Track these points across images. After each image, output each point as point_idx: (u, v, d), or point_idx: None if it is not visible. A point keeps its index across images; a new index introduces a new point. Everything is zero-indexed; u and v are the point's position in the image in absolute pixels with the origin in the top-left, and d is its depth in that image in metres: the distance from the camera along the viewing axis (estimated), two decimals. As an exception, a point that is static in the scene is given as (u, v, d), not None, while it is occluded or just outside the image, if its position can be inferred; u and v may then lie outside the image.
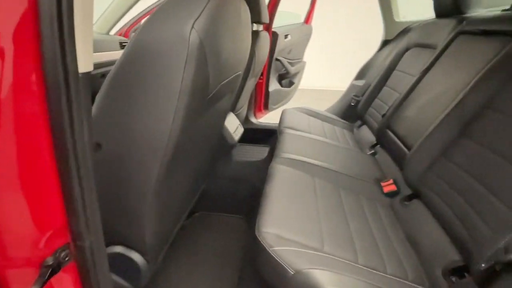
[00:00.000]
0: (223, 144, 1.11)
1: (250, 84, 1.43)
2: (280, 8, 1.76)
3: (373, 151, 1.28)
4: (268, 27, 1.72)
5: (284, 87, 2.19)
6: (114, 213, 0.59)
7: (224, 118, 1.03)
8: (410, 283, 0.63)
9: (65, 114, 0.31)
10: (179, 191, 0.75)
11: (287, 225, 0.68)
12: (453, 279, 0.61)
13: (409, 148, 0.96)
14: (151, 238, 0.64)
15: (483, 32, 0.85)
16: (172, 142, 0.54)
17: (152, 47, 0.49)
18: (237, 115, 1.38)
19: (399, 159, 1.01)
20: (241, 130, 1.25)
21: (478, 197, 0.64)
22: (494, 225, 0.57)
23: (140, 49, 0.50)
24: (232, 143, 1.12)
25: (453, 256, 0.64)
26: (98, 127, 0.54)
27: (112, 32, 1.92)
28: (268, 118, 2.14)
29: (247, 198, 1.36)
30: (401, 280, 0.63)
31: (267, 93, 1.97)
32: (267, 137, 1.95)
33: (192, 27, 0.48)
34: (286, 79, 2.21)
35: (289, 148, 1.08)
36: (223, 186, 1.41)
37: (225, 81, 0.69)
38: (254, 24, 1.29)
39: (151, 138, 0.53)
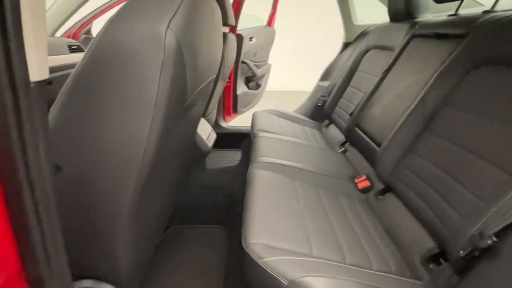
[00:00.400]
0: (196, 152, 1.05)
1: (219, 87, 1.39)
2: (243, 10, 1.76)
3: (343, 148, 1.33)
4: (233, 30, 1.70)
5: (252, 89, 2.19)
6: (82, 243, 0.51)
7: (197, 124, 0.98)
8: (394, 276, 0.65)
9: (14, 134, 0.25)
10: (155, 209, 0.69)
11: (274, 233, 0.67)
12: (431, 266, 0.65)
13: (378, 145, 1.01)
14: (126, 265, 0.57)
15: (435, 35, 0.93)
16: (148, 157, 0.48)
17: (121, 50, 0.42)
18: (207, 120, 1.33)
19: (369, 156, 1.06)
20: (213, 136, 1.20)
21: (446, 186, 0.69)
22: (464, 212, 0.61)
23: (106, 52, 0.43)
24: (206, 151, 1.07)
25: (429, 245, 0.68)
26: (55, 146, 0.46)
27: (58, 34, 1.73)
28: (237, 122, 2.11)
29: (224, 206, 1.32)
30: (387, 274, 0.65)
31: (235, 96, 1.94)
32: (239, 141, 1.92)
33: (168, 26, 0.43)
34: (253, 81, 2.21)
35: (265, 152, 1.07)
36: (197, 196, 1.35)
37: (201, 87, 0.65)
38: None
39: (123, 154, 0.47)
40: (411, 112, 0.88)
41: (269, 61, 2.44)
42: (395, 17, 1.29)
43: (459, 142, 0.71)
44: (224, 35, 1.17)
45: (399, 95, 1.00)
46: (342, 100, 1.55)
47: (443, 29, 0.91)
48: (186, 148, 0.92)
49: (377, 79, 1.23)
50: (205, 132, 1.10)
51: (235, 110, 2.00)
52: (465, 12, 0.98)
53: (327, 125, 1.66)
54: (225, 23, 1.20)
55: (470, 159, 0.66)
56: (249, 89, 2.15)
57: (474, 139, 0.67)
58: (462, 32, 0.82)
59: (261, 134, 1.26)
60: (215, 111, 1.66)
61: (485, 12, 0.85)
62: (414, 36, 1.07)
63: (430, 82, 0.85)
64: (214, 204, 1.31)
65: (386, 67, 1.17)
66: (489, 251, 0.49)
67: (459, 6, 0.99)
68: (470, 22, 0.81)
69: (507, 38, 0.67)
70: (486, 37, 0.72)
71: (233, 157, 1.74)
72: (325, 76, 1.82)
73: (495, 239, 0.48)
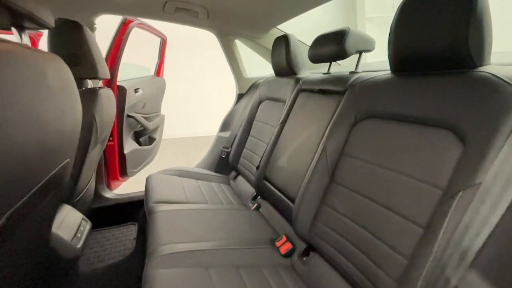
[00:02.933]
0: (55, 262, 0.69)
1: (95, 153, 1.07)
2: (125, 61, 1.54)
3: (256, 204, 1.23)
4: (110, 83, 1.43)
5: (144, 145, 1.89)
6: None
7: (48, 226, 0.65)
8: None
9: None
10: None
11: None
12: None
13: (291, 200, 0.95)
14: None
15: (319, 91, 1.02)
16: None
17: None
18: (78, 202, 0.97)
19: (285, 213, 1.00)
20: (87, 227, 0.86)
21: (364, 240, 0.67)
22: (390, 270, 0.58)
23: None
24: (72, 256, 0.72)
25: None
26: None
27: None
28: (130, 186, 1.73)
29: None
30: None
31: (122, 156, 1.60)
32: (131, 212, 1.55)
33: None
34: (145, 135, 1.92)
35: (165, 237, 0.82)
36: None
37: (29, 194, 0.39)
38: (89, 81, 1.00)
39: None
40: (316, 165, 0.87)
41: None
42: (279, 72, 1.40)
43: (362, 192, 0.72)
44: (94, 91, 0.92)
45: (300, 147, 1.01)
46: (245, 150, 1.50)
47: (324, 85, 1.01)
48: (30, 263, 0.57)
49: (275, 130, 1.24)
50: (70, 227, 0.76)
51: (123, 173, 1.64)
52: (335, 70, 1.14)
53: (235, 177, 1.56)
54: (94, 77, 0.95)
55: (376, 209, 0.66)
56: (141, 145, 1.84)
57: (373, 189, 0.68)
58: (341, 89, 0.91)
59: (158, 208, 1.01)
60: (93, 182, 1.28)
61: (352, 72, 0.99)
62: (300, 91, 1.16)
63: (325, 134, 0.88)
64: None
65: (281, 119, 1.20)
66: None
67: (329, 67, 1.14)
68: (344, 81, 0.92)
69: (375, 95, 0.75)
70: (360, 95, 0.81)
71: (125, 237, 1.35)
72: (224, 127, 1.77)
73: None
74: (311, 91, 1.08)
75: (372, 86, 0.79)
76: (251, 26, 1.44)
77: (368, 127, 0.77)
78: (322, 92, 1.01)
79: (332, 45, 0.96)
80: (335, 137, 0.85)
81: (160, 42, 1.95)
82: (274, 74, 1.58)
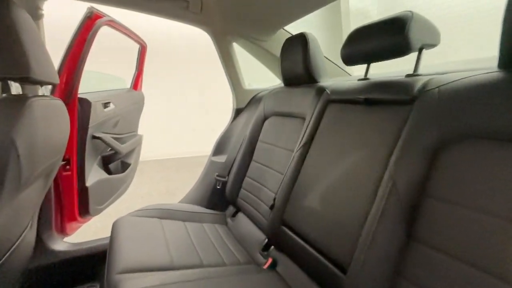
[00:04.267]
0: None
1: (32, 192, 0.70)
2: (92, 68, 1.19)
3: (270, 259, 0.88)
4: (68, 94, 1.07)
5: (115, 173, 1.50)
6: None
7: None
8: None
9: None
10: None
11: None
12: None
13: (339, 266, 0.62)
14: None
15: (365, 101, 0.73)
16: None
17: None
18: (5, 264, 0.58)
19: (326, 282, 0.66)
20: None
21: None
22: None
23: None
24: None
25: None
26: None
27: None
28: (94, 230, 1.31)
29: None
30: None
31: (83, 190, 1.21)
32: (92, 268, 1.13)
33: None
34: (116, 161, 1.53)
35: None
36: None
37: None
38: (15, 85, 0.65)
39: None
40: (382, 211, 0.56)
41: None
42: (292, 81, 1.12)
43: (469, 259, 0.43)
44: (17, 101, 0.57)
45: (343, 181, 0.70)
46: (247, 180, 1.17)
47: (372, 93, 0.72)
48: None
49: (290, 153, 0.93)
50: None
51: (84, 212, 1.23)
52: (375, 75, 0.88)
53: (234, 214, 1.21)
54: (26, 79, 0.60)
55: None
56: (110, 173, 1.45)
57: (487, 254, 0.42)
58: (405, 97, 0.63)
59: (127, 283, 0.63)
60: (31, 231, 0.87)
61: (410, 75, 0.71)
62: (329, 102, 0.87)
63: (391, 163, 0.58)
64: None
65: (302, 140, 0.89)
66: None
67: (367, 70, 0.87)
68: (407, 86, 0.64)
69: (473, 105, 0.48)
70: (445, 105, 0.53)
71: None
72: (219, 150, 1.43)
73: None
74: (350, 102, 0.80)
75: (465, 91, 0.51)
76: (255, 24, 1.17)
77: (466, 153, 0.48)
78: (371, 102, 0.72)
79: (388, 37, 0.69)
80: (409, 168, 0.55)
81: (139, 49, 1.62)
82: (280, 84, 1.30)
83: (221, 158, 1.35)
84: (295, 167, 0.87)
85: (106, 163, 1.46)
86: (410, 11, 0.67)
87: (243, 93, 1.38)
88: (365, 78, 0.86)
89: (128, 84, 1.75)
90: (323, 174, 0.76)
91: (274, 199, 0.90)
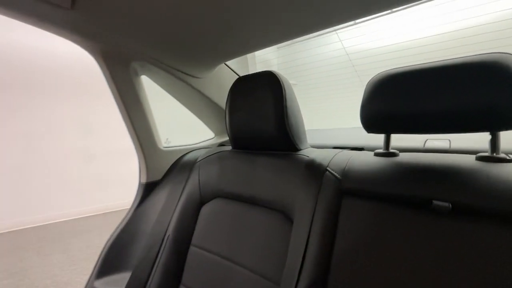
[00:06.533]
0: None
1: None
2: None
3: None
4: None
5: None
6: None
7: None
8: None
9: None
10: None
11: None
12: None
13: None
14: None
15: (410, 203, 0.38)
16: None
17: None
18: None
19: None
20: None
21: None
22: None
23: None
24: None
25: None
26: None
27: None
28: None
29: None
30: None
31: None
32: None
33: None
34: None
35: None
36: None
37: None
38: None
39: None
40: None
41: None
42: (247, 143, 0.69)
43: None
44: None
45: None
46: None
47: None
48: None
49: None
50: None
51: None
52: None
53: None
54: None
55: None
56: None
57: None
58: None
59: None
60: None
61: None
62: (344, 193, 0.48)
63: None
64: None
65: (303, 254, 0.45)
66: None
67: (388, 141, 0.55)
68: None
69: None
70: None
71: None
72: (108, 267, 0.77)
73: None
74: (375, 198, 0.43)
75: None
76: (183, 52, 0.70)
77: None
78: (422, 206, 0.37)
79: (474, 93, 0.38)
80: None
81: None
82: (217, 141, 0.85)
83: (113, 282, 0.71)
84: None
85: None
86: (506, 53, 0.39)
87: (157, 157, 0.83)
88: (391, 153, 0.53)
89: None
90: None
91: None
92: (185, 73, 0.82)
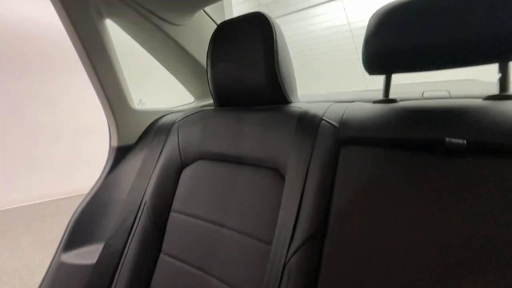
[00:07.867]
0: None
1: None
2: None
3: None
4: None
5: None
6: None
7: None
8: None
9: None
10: None
11: None
12: None
13: None
14: None
15: (402, 144, 0.35)
16: None
17: None
18: None
19: None
20: None
21: None
22: None
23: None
24: None
25: None
26: None
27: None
28: None
29: None
30: None
31: None
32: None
33: None
34: None
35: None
36: None
37: None
38: None
39: None
40: None
41: None
42: (233, 99, 0.62)
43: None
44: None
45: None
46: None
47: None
48: None
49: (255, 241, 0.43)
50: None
51: None
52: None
53: None
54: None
55: None
56: None
57: None
58: None
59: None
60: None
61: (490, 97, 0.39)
62: (343, 144, 0.43)
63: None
64: None
65: (297, 213, 0.41)
66: None
67: (388, 86, 0.49)
68: None
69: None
70: None
71: None
72: (77, 238, 0.69)
73: None
74: (372, 144, 0.40)
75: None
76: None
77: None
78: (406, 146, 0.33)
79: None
80: None
81: None
82: (199, 103, 0.77)
83: (83, 254, 0.64)
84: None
85: None
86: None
87: (130, 118, 0.73)
88: (391, 100, 0.49)
89: None
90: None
91: None
92: (160, 18, 0.70)
